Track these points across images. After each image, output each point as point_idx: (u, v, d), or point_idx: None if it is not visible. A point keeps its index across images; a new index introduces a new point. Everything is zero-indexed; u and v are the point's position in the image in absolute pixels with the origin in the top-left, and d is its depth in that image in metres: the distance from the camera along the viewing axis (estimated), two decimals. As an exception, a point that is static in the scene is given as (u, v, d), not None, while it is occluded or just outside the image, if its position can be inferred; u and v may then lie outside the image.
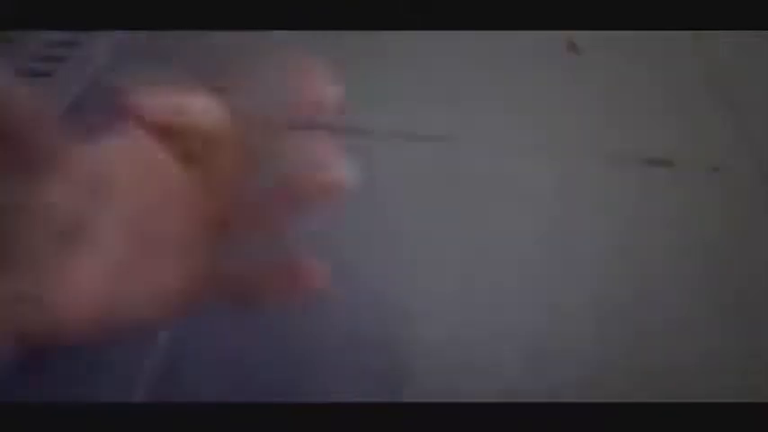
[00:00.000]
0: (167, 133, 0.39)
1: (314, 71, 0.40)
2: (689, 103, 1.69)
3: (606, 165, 1.50)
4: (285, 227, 0.40)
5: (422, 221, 1.32)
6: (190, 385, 1.01)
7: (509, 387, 1.05)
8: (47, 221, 0.35)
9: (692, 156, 1.54)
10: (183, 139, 0.39)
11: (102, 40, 1.68)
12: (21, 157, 0.34)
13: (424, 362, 1.08)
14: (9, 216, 0.35)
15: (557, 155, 1.51)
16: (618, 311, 1.18)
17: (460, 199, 1.38)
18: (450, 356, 1.09)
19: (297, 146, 0.39)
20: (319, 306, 1.10)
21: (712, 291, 1.23)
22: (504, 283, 1.21)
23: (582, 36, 1.85)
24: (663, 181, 1.47)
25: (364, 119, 1.53)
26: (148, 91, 0.38)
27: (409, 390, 1.03)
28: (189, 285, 0.39)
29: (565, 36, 1.85)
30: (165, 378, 1.01)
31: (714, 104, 1.69)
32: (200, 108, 0.39)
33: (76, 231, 0.36)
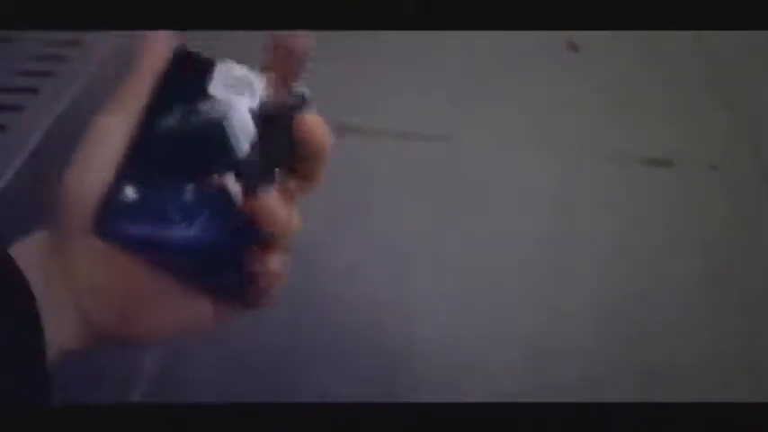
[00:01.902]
0: None
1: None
2: (689, 103, 1.69)
3: (606, 165, 1.50)
4: None
5: (422, 221, 1.31)
6: (189, 385, 1.01)
7: (509, 387, 1.05)
8: None
9: (692, 156, 1.54)
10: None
11: (102, 40, 1.68)
12: None
13: (424, 362, 1.08)
14: None
15: (557, 154, 1.51)
16: (618, 311, 1.18)
17: (460, 199, 1.38)
18: (450, 356, 1.09)
19: None
20: (319, 306, 1.10)
21: (712, 291, 1.23)
22: (504, 283, 1.21)
23: (582, 36, 1.85)
24: (663, 181, 1.47)
25: (364, 118, 1.53)
26: None
27: (409, 390, 1.03)
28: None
29: (565, 36, 1.85)
30: (165, 378, 1.01)
31: (714, 104, 1.69)
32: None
33: None
